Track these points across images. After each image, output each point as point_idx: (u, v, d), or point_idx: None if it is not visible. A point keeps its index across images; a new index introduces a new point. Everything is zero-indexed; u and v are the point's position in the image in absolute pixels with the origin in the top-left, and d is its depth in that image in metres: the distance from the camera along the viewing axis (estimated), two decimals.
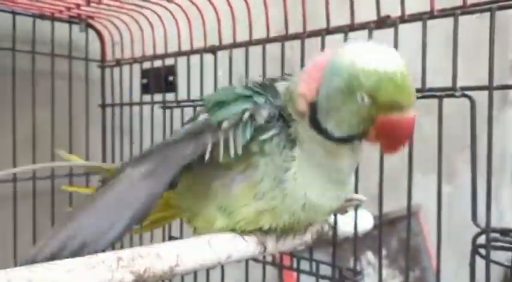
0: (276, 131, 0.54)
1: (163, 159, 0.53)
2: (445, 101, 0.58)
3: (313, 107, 0.53)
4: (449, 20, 0.58)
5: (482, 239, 0.55)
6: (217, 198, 0.58)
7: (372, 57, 0.49)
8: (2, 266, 0.46)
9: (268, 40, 0.75)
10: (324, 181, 0.56)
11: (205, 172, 0.59)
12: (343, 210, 0.66)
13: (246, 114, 0.53)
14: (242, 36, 0.79)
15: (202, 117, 0.55)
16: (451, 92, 0.56)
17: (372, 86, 0.48)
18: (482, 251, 0.55)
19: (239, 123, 0.53)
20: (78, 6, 0.85)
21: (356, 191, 0.68)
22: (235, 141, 0.53)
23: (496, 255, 0.55)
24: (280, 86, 0.58)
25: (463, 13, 0.55)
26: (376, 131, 0.50)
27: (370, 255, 1.58)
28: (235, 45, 0.79)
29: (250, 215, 0.57)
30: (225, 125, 0.53)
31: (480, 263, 0.56)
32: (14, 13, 0.87)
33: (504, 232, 0.54)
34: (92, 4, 0.84)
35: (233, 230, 0.58)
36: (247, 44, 0.77)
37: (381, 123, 0.50)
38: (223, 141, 0.53)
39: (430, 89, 0.59)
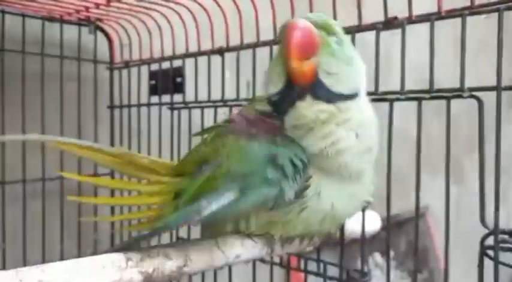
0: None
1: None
2: (453, 101, 0.58)
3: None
4: (457, 21, 0.57)
5: (490, 240, 0.55)
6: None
7: None
8: (12, 265, 0.46)
9: (276, 41, 0.75)
10: (346, 187, 0.56)
11: None
12: None
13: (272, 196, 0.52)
14: (249, 37, 0.79)
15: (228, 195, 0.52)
16: (459, 92, 0.56)
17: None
18: (491, 253, 0.54)
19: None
20: (87, 8, 0.86)
21: None
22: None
23: (505, 256, 0.55)
24: None
25: (471, 13, 0.55)
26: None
27: (377, 257, 1.57)
28: (242, 46, 0.79)
29: (262, 223, 0.57)
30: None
31: (488, 265, 0.55)
32: (23, 16, 0.88)
33: None
34: (101, 7, 0.85)
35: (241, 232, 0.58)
36: (254, 46, 0.77)
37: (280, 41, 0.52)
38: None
39: (438, 90, 0.59)
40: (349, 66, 0.53)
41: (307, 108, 0.51)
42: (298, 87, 0.51)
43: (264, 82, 0.56)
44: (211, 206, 0.49)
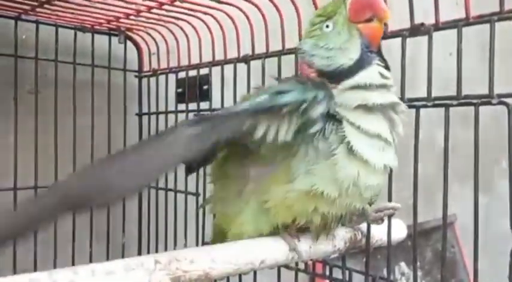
0: (322, 125, 0.54)
1: (218, 124, 0.50)
2: (481, 109, 0.57)
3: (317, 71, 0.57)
4: (483, 26, 0.57)
5: None
6: (249, 188, 0.58)
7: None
8: (43, 269, 0.48)
9: None
10: (375, 147, 0.55)
11: (237, 163, 0.59)
12: (378, 219, 0.65)
13: (304, 105, 0.52)
14: (275, 45, 0.80)
15: (263, 97, 0.52)
16: (487, 99, 0.55)
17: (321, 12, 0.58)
18: None
19: (295, 112, 0.52)
20: (117, 19, 0.89)
21: (389, 200, 0.67)
22: (288, 128, 0.52)
23: None
24: None
25: (499, 19, 0.54)
26: (354, 13, 0.56)
27: (403, 266, 1.55)
28: (268, 54, 0.80)
29: (281, 198, 0.55)
30: (284, 110, 0.51)
31: None
32: (56, 26, 0.91)
33: None
34: (131, 16, 0.87)
35: (262, 228, 0.58)
36: (279, 53, 0.78)
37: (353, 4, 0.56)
38: (276, 126, 0.52)
39: (466, 96, 0.58)
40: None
41: (380, 71, 0.56)
42: (374, 51, 0.56)
43: (320, 56, 0.57)
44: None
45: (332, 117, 0.55)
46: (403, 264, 1.55)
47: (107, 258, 0.93)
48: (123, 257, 0.88)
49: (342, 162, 0.54)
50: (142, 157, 0.46)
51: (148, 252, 0.98)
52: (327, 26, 0.57)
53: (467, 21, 0.57)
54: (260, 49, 0.81)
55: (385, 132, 0.56)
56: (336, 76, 0.56)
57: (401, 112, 0.58)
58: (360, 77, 0.55)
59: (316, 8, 0.73)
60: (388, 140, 0.56)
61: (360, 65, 0.55)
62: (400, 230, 0.73)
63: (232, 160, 0.60)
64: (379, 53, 0.57)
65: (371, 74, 0.55)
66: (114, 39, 0.99)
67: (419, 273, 1.61)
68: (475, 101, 0.57)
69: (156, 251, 0.94)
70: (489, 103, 0.55)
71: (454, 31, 0.59)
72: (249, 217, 0.58)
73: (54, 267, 0.89)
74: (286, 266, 0.75)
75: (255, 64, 0.82)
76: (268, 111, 0.51)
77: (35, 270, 0.87)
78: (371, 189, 0.56)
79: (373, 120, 0.55)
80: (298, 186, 0.54)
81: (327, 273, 0.77)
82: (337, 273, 0.75)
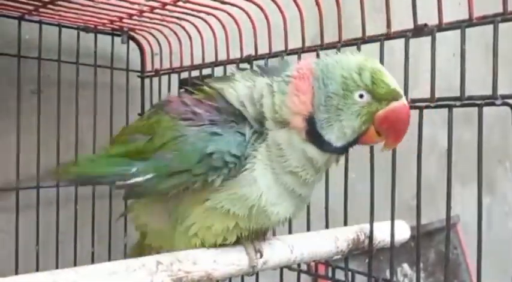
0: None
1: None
2: (484, 109, 0.57)
3: (310, 121, 0.52)
4: (485, 27, 0.57)
5: None
6: (170, 208, 0.58)
7: (355, 58, 0.52)
8: (45, 269, 0.48)
9: (304, 50, 0.76)
10: (285, 191, 0.55)
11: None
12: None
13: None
14: (278, 46, 0.80)
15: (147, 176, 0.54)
16: (491, 100, 0.55)
17: (369, 80, 0.51)
18: None
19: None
20: (120, 19, 0.89)
21: (392, 202, 0.67)
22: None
23: None
24: (242, 88, 0.56)
25: (503, 20, 0.54)
26: (378, 126, 0.52)
27: (406, 267, 1.54)
28: (270, 54, 0.80)
29: (199, 216, 0.55)
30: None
31: None
32: (60, 26, 0.91)
33: None
34: (134, 17, 0.87)
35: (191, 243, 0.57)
36: (282, 54, 0.78)
37: (384, 116, 0.52)
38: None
39: (470, 97, 0.58)
40: None
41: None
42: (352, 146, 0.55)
43: (325, 119, 0.53)
44: (133, 177, 0.53)
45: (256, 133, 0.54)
46: (405, 265, 1.54)
47: (109, 259, 0.93)
48: (125, 257, 0.88)
49: (246, 182, 0.53)
50: None
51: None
52: (361, 96, 0.52)
53: (470, 22, 0.57)
54: (263, 49, 0.81)
55: (298, 188, 0.55)
56: (317, 137, 0.53)
57: None
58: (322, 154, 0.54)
59: (319, 10, 0.73)
60: (298, 194, 0.56)
61: (335, 148, 0.54)
62: (403, 231, 0.73)
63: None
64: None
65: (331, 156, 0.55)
66: (117, 40, 0.99)
67: (422, 274, 1.61)
68: (478, 101, 0.57)
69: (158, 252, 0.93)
70: (493, 104, 0.55)
71: (457, 32, 0.58)
72: (181, 242, 0.57)
73: (56, 267, 0.89)
74: (289, 267, 0.75)
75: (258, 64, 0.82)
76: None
77: (37, 270, 0.87)
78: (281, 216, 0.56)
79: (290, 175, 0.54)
80: (210, 203, 0.54)
81: (330, 274, 0.76)
82: (340, 275, 0.75)
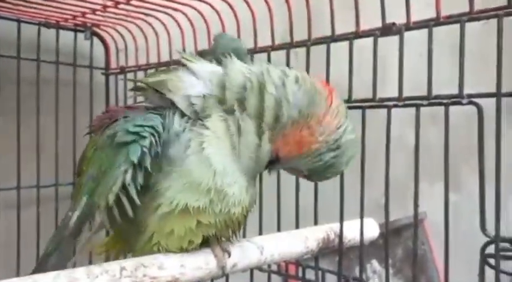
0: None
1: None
2: (451, 109, 0.57)
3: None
4: (452, 27, 0.57)
5: (491, 249, 0.54)
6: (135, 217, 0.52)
7: None
8: (5, 274, 0.45)
9: (274, 47, 0.75)
10: (243, 176, 0.51)
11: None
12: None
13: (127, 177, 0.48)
14: (247, 43, 0.78)
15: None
16: (458, 99, 0.56)
17: None
18: (491, 261, 0.54)
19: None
20: (83, 14, 0.86)
21: (362, 201, 0.67)
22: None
23: (504, 264, 0.54)
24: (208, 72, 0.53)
25: (469, 20, 0.55)
26: None
27: (375, 264, 1.56)
28: None
29: (156, 224, 0.51)
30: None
31: (489, 273, 0.55)
32: (19, 21, 0.87)
33: None
34: (97, 12, 0.84)
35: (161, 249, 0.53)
36: (252, 52, 0.77)
37: None
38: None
39: (436, 97, 0.58)
40: None
41: None
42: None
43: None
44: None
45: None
46: (374, 262, 1.56)
47: (73, 265, 0.90)
48: (90, 263, 0.85)
49: (196, 164, 0.49)
50: None
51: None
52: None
53: (437, 21, 0.58)
54: None
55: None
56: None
57: None
58: None
59: (289, 7, 0.72)
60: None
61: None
62: (372, 229, 0.73)
63: None
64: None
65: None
66: (80, 36, 0.96)
67: (390, 271, 1.63)
68: (445, 101, 0.57)
69: (124, 257, 0.91)
70: (459, 103, 0.56)
71: (424, 32, 0.59)
72: (146, 252, 0.53)
73: (18, 273, 0.86)
74: (259, 268, 0.74)
75: None
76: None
77: None
78: (236, 200, 0.51)
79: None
80: (163, 208, 0.50)
81: (300, 274, 0.76)
82: (310, 274, 0.75)
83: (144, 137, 0.48)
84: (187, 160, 0.49)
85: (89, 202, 0.50)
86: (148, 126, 0.48)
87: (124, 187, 0.48)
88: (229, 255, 0.55)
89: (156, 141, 0.49)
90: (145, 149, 0.48)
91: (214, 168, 0.49)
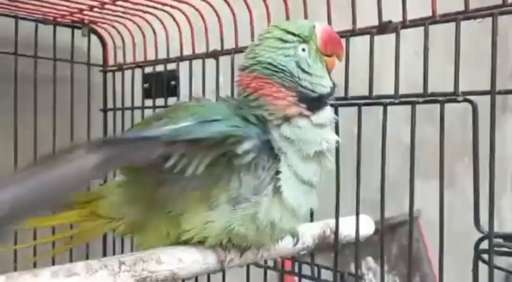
0: (251, 148, 0.51)
1: (125, 151, 0.45)
2: (446, 106, 0.58)
3: (301, 100, 0.54)
4: (448, 25, 0.58)
5: (484, 245, 0.55)
6: (167, 206, 0.54)
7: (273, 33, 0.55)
8: (3, 269, 0.46)
9: None
10: (302, 192, 0.54)
11: (151, 176, 0.54)
12: None
13: (229, 140, 0.49)
14: (244, 41, 0.79)
15: (183, 124, 0.49)
16: (453, 96, 0.56)
17: (298, 36, 0.55)
18: (485, 257, 0.54)
19: (217, 145, 0.49)
20: (81, 11, 0.86)
21: (357, 197, 0.68)
22: (203, 160, 0.49)
23: (497, 260, 0.55)
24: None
25: (465, 18, 0.55)
26: (326, 51, 0.57)
27: (370, 261, 1.58)
28: (237, 50, 0.79)
29: (199, 225, 0.53)
30: (205, 143, 0.49)
31: (482, 269, 0.56)
32: (16, 18, 0.87)
33: (507, 237, 0.54)
34: (95, 9, 0.84)
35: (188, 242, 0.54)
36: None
37: (323, 44, 0.56)
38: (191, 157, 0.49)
39: (432, 94, 0.59)
40: None
41: (330, 111, 0.57)
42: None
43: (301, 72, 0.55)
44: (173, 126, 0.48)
45: (269, 151, 0.53)
46: (369, 258, 1.57)
47: (70, 260, 0.90)
48: (87, 258, 0.85)
49: (267, 204, 0.52)
50: (37, 184, 0.41)
51: (114, 254, 0.95)
52: (303, 50, 0.55)
53: (433, 20, 0.58)
54: (229, 44, 0.80)
55: (315, 178, 0.56)
56: (315, 103, 0.55)
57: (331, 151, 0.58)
58: (325, 113, 0.56)
59: (286, 5, 0.72)
60: (314, 184, 0.56)
61: (331, 93, 0.57)
62: (367, 226, 0.74)
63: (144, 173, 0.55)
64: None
65: (329, 112, 0.57)
66: (78, 33, 0.96)
67: (385, 267, 1.65)
68: (440, 98, 0.58)
69: (122, 252, 0.91)
70: (454, 100, 0.56)
71: (419, 30, 0.59)
72: (161, 243, 0.56)
73: (15, 269, 0.86)
74: (255, 264, 0.75)
75: (224, 59, 0.81)
76: (186, 141, 0.47)
77: None
78: (286, 231, 0.56)
79: (309, 166, 0.55)
80: (217, 221, 0.52)
81: (296, 270, 0.77)
82: (306, 270, 0.75)
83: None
84: (261, 197, 0.52)
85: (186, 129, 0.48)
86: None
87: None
88: (229, 250, 0.56)
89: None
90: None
91: (281, 213, 0.53)
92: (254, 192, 0.52)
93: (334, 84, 0.57)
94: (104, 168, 0.45)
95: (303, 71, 0.55)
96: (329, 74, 0.57)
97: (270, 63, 0.54)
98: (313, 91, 0.55)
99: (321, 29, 0.56)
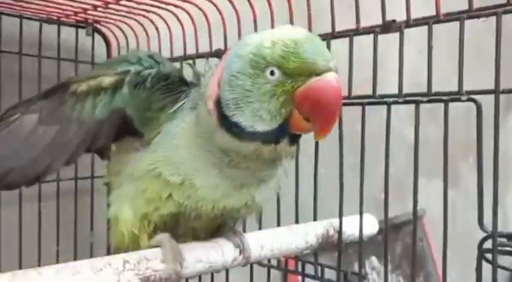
0: (185, 103, 0.53)
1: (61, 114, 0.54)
2: (450, 105, 0.58)
3: (218, 103, 0.48)
4: (451, 24, 0.58)
5: (488, 244, 0.55)
6: (127, 168, 0.57)
7: (273, 32, 0.47)
8: (8, 268, 0.46)
9: None
10: (214, 174, 0.52)
11: (128, 145, 0.59)
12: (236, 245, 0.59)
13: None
14: None
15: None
16: (457, 96, 0.56)
17: (279, 55, 0.44)
18: (489, 256, 0.54)
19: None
20: (85, 10, 0.86)
21: (361, 197, 0.68)
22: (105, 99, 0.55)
23: (501, 259, 0.55)
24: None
25: (468, 17, 0.55)
26: (300, 108, 0.45)
27: (374, 260, 1.57)
28: None
29: (136, 179, 0.55)
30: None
31: (486, 268, 0.55)
32: (21, 17, 0.87)
33: (511, 237, 0.54)
34: (99, 9, 0.85)
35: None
36: None
37: (302, 96, 0.44)
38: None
39: (436, 93, 0.59)
40: None
41: (285, 149, 0.49)
42: (291, 133, 0.48)
43: (231, 100, 0.48)
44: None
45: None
46: (373, 258, 1.57)
47: (75, 258, 0.90)
48: (91, 256, 0.86)
49: (172, 145, 0.53)
50: None
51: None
52: (272, 73, 0.46)
53: (437, 19, 0.58)
54: (232, 43, 0.80)
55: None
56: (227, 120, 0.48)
57: None
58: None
59: (289, 3, 0.72)
60: None
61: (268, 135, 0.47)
62: (371, 225, 0.74)
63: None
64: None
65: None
66: (82, 32, 0.96)
67: (388, 267, 1.64)
68: (444, 97, 0.58)
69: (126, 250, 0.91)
70: (458, 100, 0.56)
71: (423, 29, 0.59)
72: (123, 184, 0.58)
73: (20, 267, 0.86)
74: (259, 263, 0.75)
75: None
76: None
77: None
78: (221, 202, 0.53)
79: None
80: (143, 166, 0.54)
81: (299, 269, 0.77)
82: (310, 269, 0.75)
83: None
84: (166, 137, 0.53)
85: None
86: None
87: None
88: (181, 263, 0.52)
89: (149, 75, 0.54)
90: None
91: (182, 157, 0.52)
92: (174, 133, 0.55)
93: (275, 132, 0.47)
94: (46, 121, 0.53)
95: (239, 87, 0.47)
96: (287, 125, 0.46)
97: (236, 50, 0.49)
98: (228, 109, 0.47)
99: (311, 83, 0.44)
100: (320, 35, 0.69)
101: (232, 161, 0.51)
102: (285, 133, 0.47)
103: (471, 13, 0.55)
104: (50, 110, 0.54)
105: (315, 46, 0.45)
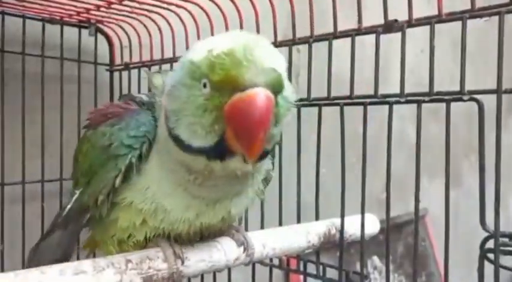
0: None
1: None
2: (451, 105, 0.58)
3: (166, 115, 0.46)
4: (454, 24, 0.58)
5: (490, 244, 0.55)
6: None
7: (216, 39, 0.44)
8: (11, 267, 0.46)
9: (276, 44, 0.76)
10: (183, 194, 0.51)
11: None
12: (240, 243, 0.59)
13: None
14: None
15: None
16: (459, 95, 0.56)
17: (207, 65, 0.41)
18: (491, 256, 0.54)
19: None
20: (88, 10, 0.86)
21: (363, 196, 0.68)
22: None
23: (504, 259, 0.55)
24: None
25: (471, 17, 0.55)
26: (228, 125, 0.41)
27: (376, 260, 1.57)
28: None
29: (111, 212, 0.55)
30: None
31: (488, 268, 0.55)
32: (24, 17, 0.88)
33: None
34: (102, 8, 0.85)
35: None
36: None
37: (226, 112, 0.40)
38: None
39: (438, 93, 0.59)
40: (286, 118, 0.46)
41: (238, 166, 0.45)
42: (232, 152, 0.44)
43: (172, 112, 0.46)
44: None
45: None
46: (375, 258, 1.57)
47: (77, 258, 0.91)
48: (94, 256, 0.86)
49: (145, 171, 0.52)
50: None
51: None
52: (205, 86, 0.43)
53: (439, 18, 0.58)
54: None
55: None
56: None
57: None
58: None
59: (291, 4, 0.72)
60: None
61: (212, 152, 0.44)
62: (373, 225, 0.74)
63: None
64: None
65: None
66: (84, 32, 0.97)
67: (391, 266, 1.64)
68: (446, 97, 0.58)
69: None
70: (460, 99, 0.56)
71: (425, 29, 0.59)
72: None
73: (23, 267, 0.87)
74: (261, 262, 0.75)
75: None
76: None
77: (2, 270, 0.84)
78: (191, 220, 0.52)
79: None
80: (116, 199, 0.54)
81: (301, 268, 0.77)
82: (311, 269, 0.75)
83: (136, 149, 0.51)
84: (144, 170, 0.52)
85: (80, 198, 0.56)
86: (141, 137, 0.50)
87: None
88: (183, 261, 0.52)
89: (146, 149, 0.51)
90: (133, 160, 0.51)
91: (150, 181, 0.52)
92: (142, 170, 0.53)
93: (214, 148, 0.43)
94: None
95: (178, 98, 0.44)
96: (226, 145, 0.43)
97: (181, 59, 0.47)
98: (169, 121, 0.46)
99: (234, 99, 0.40)
100: (322, 35, 0.71)
101: (197, 179, 0.47)
102: (225, 151, 0.43)
103: (473, 13, 0.55)
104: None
105: (248, 57, 0.40)
